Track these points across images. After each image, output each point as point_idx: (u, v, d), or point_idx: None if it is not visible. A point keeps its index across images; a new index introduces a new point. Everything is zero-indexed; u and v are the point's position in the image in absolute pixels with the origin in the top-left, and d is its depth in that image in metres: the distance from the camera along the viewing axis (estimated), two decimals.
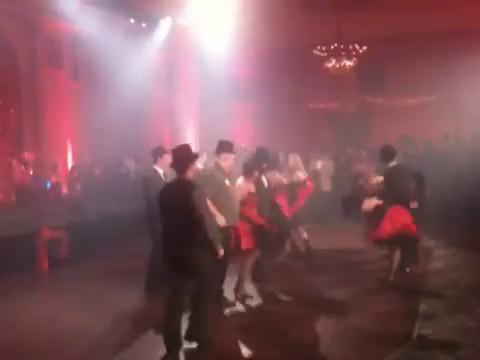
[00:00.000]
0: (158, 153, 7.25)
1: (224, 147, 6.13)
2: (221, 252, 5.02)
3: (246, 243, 6.32)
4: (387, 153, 7.06)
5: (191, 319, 5.10)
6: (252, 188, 6.53)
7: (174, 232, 4.99)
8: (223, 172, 6.09)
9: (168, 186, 5.27)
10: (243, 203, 6.33)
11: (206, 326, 5.07)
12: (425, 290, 6.73)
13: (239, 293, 6.54)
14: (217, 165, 6.13)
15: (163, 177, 7.15)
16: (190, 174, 5.11)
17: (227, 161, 6.10)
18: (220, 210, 5.79)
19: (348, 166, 12.08)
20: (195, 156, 5.23)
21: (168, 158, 7.14)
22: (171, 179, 6.30)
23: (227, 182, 6.06)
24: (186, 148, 5.23)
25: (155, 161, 7.26)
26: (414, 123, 14.86)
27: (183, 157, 5.10)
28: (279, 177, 7.84)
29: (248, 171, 6.62)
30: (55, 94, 12.56)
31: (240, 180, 6.59)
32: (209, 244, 4.96)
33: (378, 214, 6.84)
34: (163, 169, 7.20)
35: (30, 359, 5.16)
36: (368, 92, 16.65)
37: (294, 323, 5.77)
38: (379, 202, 6.87)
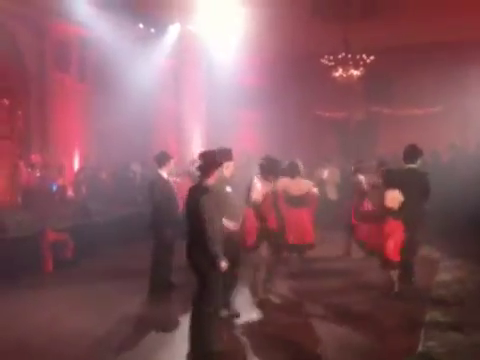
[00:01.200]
0: (163, 159, 7.24)
1: (224, 156, 5.99)
2: (222, 265, 4.85)
3: (251, 241, 6.53)
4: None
5: (190, 329, 5.05)
6: (269, 190, 6.61)
7: (188, 236, 5.04)
8: (224, 179, 6.04)
9: (189, 190, 5.27)
10: (261, 204, 6.52)
11: (203, 338, 4.95)
12: (430, 302, 6.70)
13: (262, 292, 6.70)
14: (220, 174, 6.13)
15: (168, 183, 7.22)
16: (212, 180, 5.12)
17: (229, 168, 6.08)
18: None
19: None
20: (220, 163, 5.26)
21: (172, 164, 7.34)
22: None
23: (228, 189, 6.06)
24: (212, 154, 5.28)
25: (159, 166, 7.24)
26: (420, 133, 14.78)
27: (208, 162, 5.14)
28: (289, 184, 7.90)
29: (266, 173, 6.76)
30: (63, 97, 12.59)
31: (256, 181, 6.76)
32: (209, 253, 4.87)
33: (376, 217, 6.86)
34: (167, 174, 7.27)
35: (33, 359, 5.17)
36: (374, 102, 16.65)
37: (297, 333, 5.75)
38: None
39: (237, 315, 6.17)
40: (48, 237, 8.70)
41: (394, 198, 6.77)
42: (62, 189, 10.96)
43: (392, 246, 6.68)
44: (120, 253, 9.43)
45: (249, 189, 6.91)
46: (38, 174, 10.99)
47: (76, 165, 12.87)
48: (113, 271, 8.48)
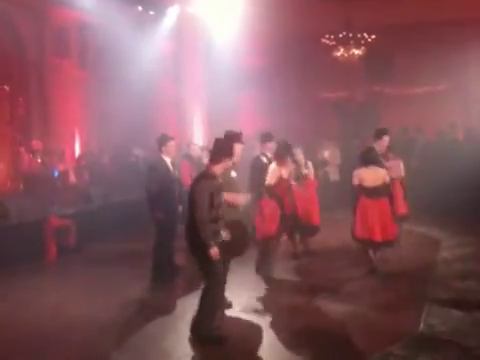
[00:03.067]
0: (162, 141, 7.06)
1: (234, 139, 5.94)
2: (214, 252, 4.82)
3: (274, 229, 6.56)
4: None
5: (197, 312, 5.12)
6: (285, 174, 6.59)
7: (187, 220, 5.04)
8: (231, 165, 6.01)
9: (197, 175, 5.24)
10: (275, 186, 6.55)
11: (204, 321, 5.00)
12: (432, 280, 6.71)
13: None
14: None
15: (171, 166, 7.08)
16: (221, 168, 5.07)
17: (237, 151, 5.97)
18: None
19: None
20: (231, 153, 5.13)
21: (173, 145, 7.11)
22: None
23: (233, 173, 5.95)
24: (226, 142, 5.19)
25: (160, 149, 7.09)
26: (422, 112, 14.78)
27: (221, 149, 5.06)
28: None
29: (281, 157, 6.74)
30: (63, 82, 12.55)
31: (273, 165, 6.75)
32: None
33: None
34: (170, 157, 7.10)
35: (37, 346, 5.18)
36: (376, 81, 16.52)
37: (300, 312, 5.78)
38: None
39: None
40: (52, 223, 8.73)
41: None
42: (64, 175, 10.94)
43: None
44: (123, 238, 9.46)
45: (255, 171, 6.89)
46: (39, 160, 10.98)
47: (77, 150, 12.86)
48: (116, 256, 8.53)
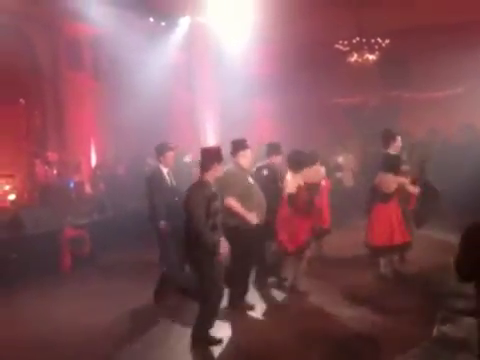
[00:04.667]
0: (161, 151, 6.96)
1: (238, 146, 6.08)
2: (223, 248, 4.98)
3: (300, 239, 6.43)
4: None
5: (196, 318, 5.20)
6: (301, 182, 6.54)
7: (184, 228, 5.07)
8: (243, 170, 6.07)
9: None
10: (295, 197, 6.42)
11: (201, 329, 5.10)
12: (445, 286, 6.59)
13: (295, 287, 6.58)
14: (237, 164, 6.06)
15: (167, 176, 6.97)
16: (212, 175, 5.12)
17: (246, 158, 6.06)
18: (248, 208, 5.82)
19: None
20: (220, 158, 5.21)
21: (172, 156, 7.00)
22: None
23: (250, 180, 6.04)
24: (214, 149, 5.30)
25: (158, 159, 7.00)
26: (440, 116, 14.58)
27: (208, 157, 5.13)
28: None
29: (295, 165, 6.64)
30: (77, 95, 12.68)
31: (289, 175, 6.64)
32: (207, 247, 4.90)
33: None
34: (167, 168, 6.99)
35: (51, 356, 5.25)
36: (392, 86, 16.35)
37: (310, 318, 5.75)
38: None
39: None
40: (66, 234, 8.83)
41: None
42: (79, 186, 11.06)
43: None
44: (137, 248, 9.44)
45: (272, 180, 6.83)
46: (55, 171, 11.12)
47: (93, 162, 12.98)
48: (130, 267, 8.59)
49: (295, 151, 6.91)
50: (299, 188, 6.47)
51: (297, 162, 6.65)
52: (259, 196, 6.03)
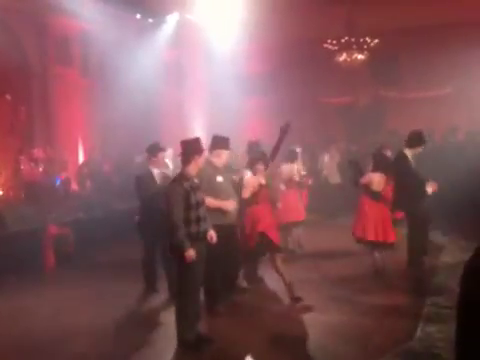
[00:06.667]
0: (151, 152, 6.78)
1: (218, 143, 5.96)
2: (188, 255, 4.79)
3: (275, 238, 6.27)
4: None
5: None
6: (262, 180, 6.40)
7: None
8: (214, 168, 5.92)
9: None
10: (255, 197, 6.30)
11: (181, 326, 5.02)
12: (433, 286, 6.60)
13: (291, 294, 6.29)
14: (207, 161, 5.89)
15: (157, 177, 6.75)
16: (194, 167, 5.07)
17: (220, 157, 5.93)
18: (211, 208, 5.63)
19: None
20: (201, 150, 5.16)
21: (163, 157, 6.89)
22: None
23: (219, 178, 5.90)
24: (194, 141, 5.21)
25: (149, 159, 6.83)
26: (428, 116, 14.61)
27: (188, 149, 5.07)
28: (291, 171, 7.97)
29: (251, 164, 6.55)
30: (65, 91, 12.59)
31: (248, 175, 6.50)
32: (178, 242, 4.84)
33: None
34: (158, 168, 6.80)
35: (32, 354, 5.19)
36: (381, 85, 16.38)
37: (295, 321, 5.71)
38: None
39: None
40: (50, 232, 8.73)
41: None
42: (66, 183, 10.95)
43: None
44: (122, 247, 9.37)
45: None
46: (41, 168, 11.00)
47: (80, 159, 12.87)
48: (115, 265, 8.52)
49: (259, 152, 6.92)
50: (260, 187, 6.36)
51: (252, 162, 6.60)
52: (225, 197, 5.84)
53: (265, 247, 6.22)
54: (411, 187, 7.09)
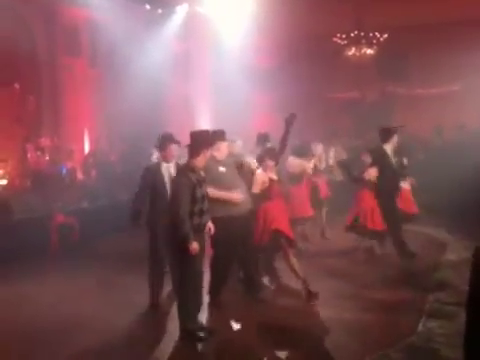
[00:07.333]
0: (161, 143, 6.19)
1: (215, 137, 5.84)
2: (192, 247, 4.79)
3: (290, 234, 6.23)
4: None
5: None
6: (273, 176, 6.35)
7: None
8: (216, 161, 5.86)
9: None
10: (267, 192, 6.24)
11: (183, 317, 5.04)
12: (435, 283, 6.60)
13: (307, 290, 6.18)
14: (210, 156, 5.70)
15: (165, 171, 6.14)
16: (202, 160, 5.06)
17: (220, 151, 5.89)
18: (217, 199, 5.64)
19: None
20: (210, 143, 5.16)
21: (173, 149, 6.22)
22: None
23: (222, 169, 5.86)
24: (204, 133, 5.22)
25: (159, 152, 6.42)
26: (436, 113, 14.58)
27: (197, 141, 5.06)
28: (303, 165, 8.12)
29: (260, 160, 6.44)
30: (73, 81, 12.63)
31: (259, 171, 6.40)
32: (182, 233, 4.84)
33: None
34: (168, 162, 6.19)
35: (35, 340, 5.21)
36: (389, 81, 16.33)
37: (298, 316, 5.70)
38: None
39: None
40: (56, 220, 8.80)
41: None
42: (72, 172, 11.00)
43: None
44: (127, 237, 9.36)
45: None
46: (47, 157, 11.05)
47: (86, 149, 12.92)
48: (119, 255, 8.54)
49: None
50: (271, 182, 6.29)
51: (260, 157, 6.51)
52: (227, 189, 5.80)
53: (279, 243, 6.17)
54: (386, 179, 7.64)
